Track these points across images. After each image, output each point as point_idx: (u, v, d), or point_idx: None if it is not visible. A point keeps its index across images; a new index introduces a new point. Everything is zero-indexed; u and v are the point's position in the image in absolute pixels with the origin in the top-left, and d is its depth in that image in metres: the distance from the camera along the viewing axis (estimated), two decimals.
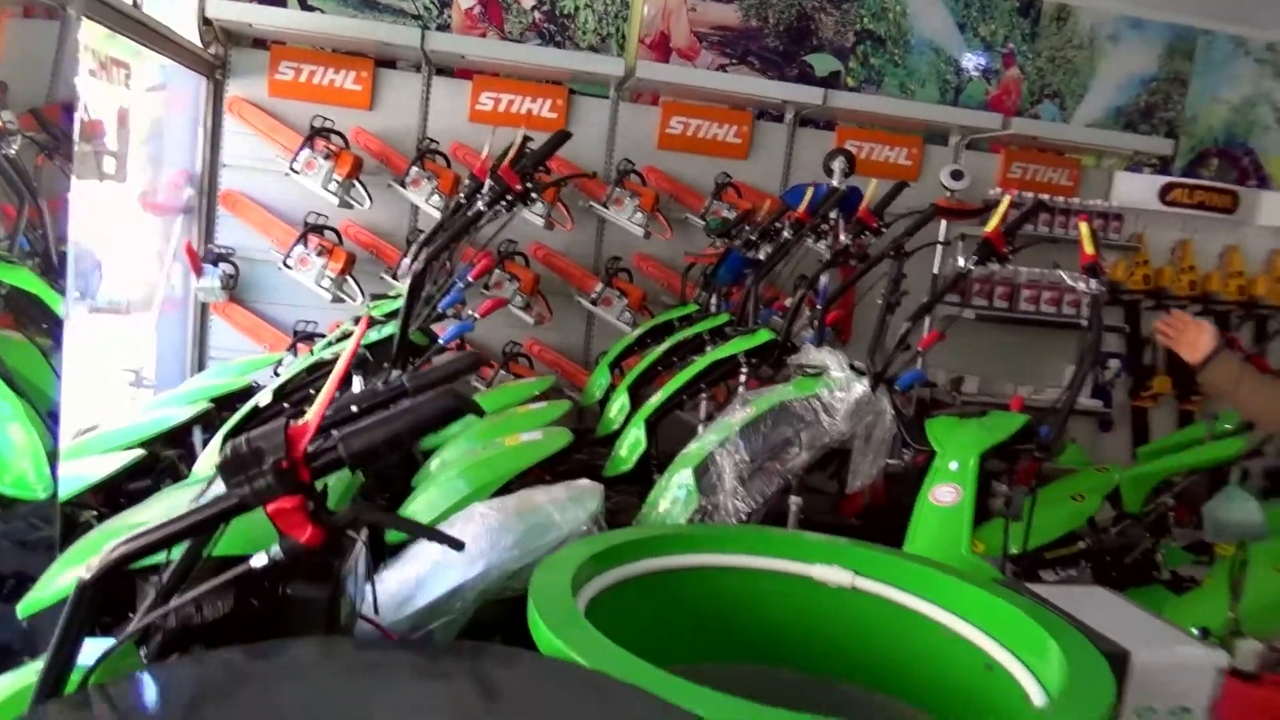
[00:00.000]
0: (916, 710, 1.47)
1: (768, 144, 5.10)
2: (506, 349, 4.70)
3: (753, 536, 1.58)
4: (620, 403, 3.68)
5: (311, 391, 3.05)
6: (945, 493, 2.04)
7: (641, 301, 4.75)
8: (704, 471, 2.41)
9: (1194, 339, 2.24)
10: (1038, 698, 1.26)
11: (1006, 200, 2.28)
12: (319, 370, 3.08)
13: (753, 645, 1.58)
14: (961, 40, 5.31)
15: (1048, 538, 3.63)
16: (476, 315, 3.07)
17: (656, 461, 3.10)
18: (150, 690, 0.97)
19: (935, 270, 5.05)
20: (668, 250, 4.94)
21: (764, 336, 3.01)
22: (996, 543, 3.69)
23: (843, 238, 3.02)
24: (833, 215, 3.53)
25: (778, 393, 2.46)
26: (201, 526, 0.97)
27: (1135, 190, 5.36)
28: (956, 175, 4.82)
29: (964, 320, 5.11)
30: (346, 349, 1.06)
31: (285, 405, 2.92)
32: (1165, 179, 5.37)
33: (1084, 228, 2.31)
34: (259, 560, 0.98)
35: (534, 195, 2.88)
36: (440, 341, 2.98)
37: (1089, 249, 2.28)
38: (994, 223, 2.25)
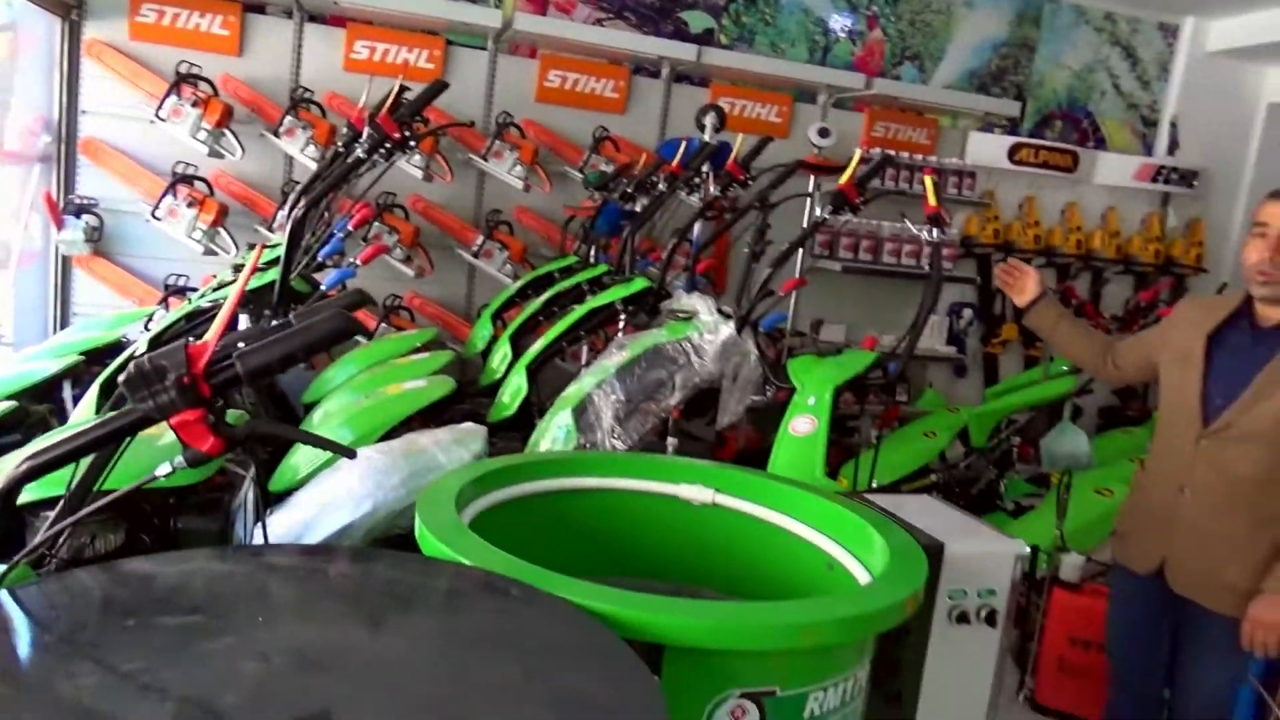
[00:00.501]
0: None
1: (644, 99, 5.21)
2: (388, 302, 4.71)
3: (623, 461, 1.72)
4: (503, 352, 3.77)
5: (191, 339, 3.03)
6: (802, 424, 2.23)
7: (522, 254, 4.82)
8: (582, 412, 2.54)
9: (1023, 285, 2.48)
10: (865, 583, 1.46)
11: (857, 155, 2.47)
12: (197, 318, 3.06)
13: (625, 560, 1.73)
14: (829, 2, 5.52)
15: (904, 471, 3.94)
16: (358, 262, 3.10)
17: (538, 407, 3.22)
18: (57, 589, 1.04)
19: (804, 224, 5.29)
20: (547, 203, 5.01)
21: (640, 285, 3.15)
22: (861, 480, 4.00)
23: (712, 190, 3.17)
24: (705, 168, 3.67)
25: (651, 336, 2.61)
26: (107, 439, 1.03)
27: (987, 150, 5.73)
28: (823, 133, 5.05)
29: (831, 272, 5.40)
30: (242, 275, 1.13)
31: None
32: (1014, 139, 5.75)
33: (927, 181, 2.52)
34: (163, 470, 1.05)
35: (412, 144, 2.92)
36: (322, 288, 3.00)
37: (931, 200, 2.50)
38: (846, 176, 2.43)
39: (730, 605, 1.43)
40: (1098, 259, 5.94)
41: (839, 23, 5.56)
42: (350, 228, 3.68)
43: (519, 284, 4.45)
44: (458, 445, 2.43)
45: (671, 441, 2.99)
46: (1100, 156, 5.98)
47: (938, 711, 1.69)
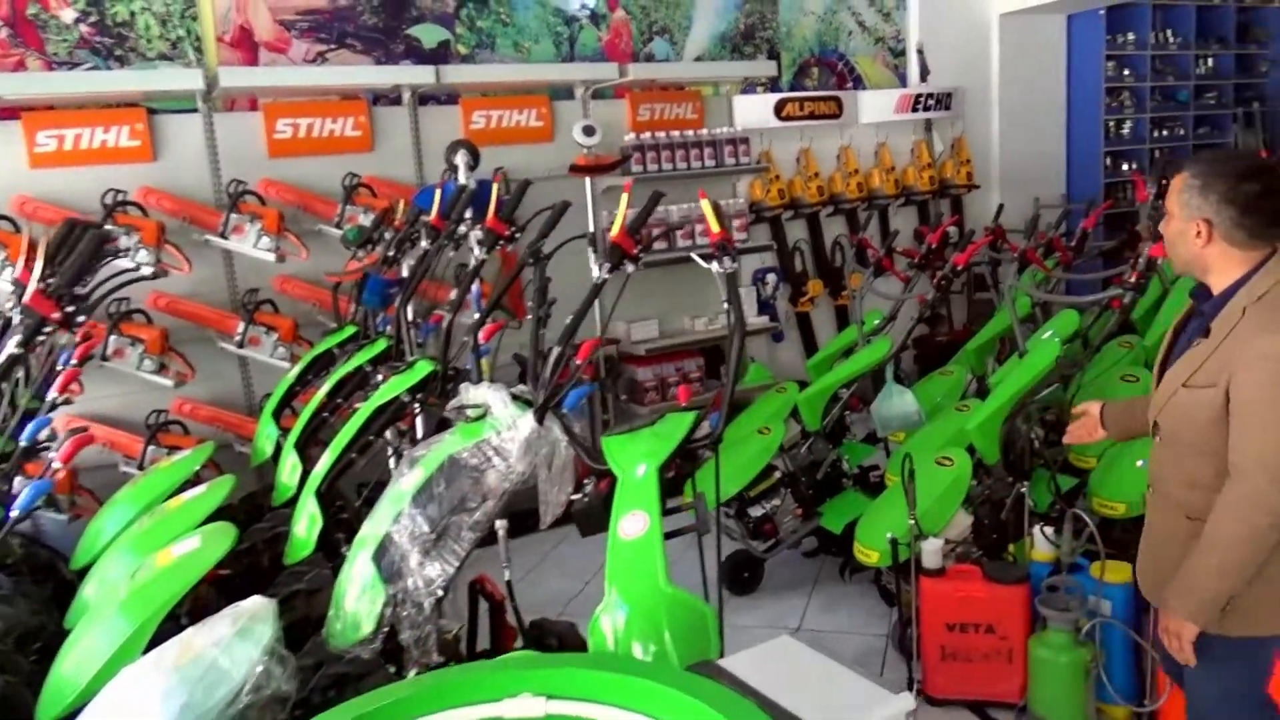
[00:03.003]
0: None
1: (391, 130, 4.76)
2: (150, 421, 4.12)
3: (430, 691, 1.39)
4: (291, 463, 3.31)
5: None
6: (631, 524, 1.97)
7: (294, 331, 4.32)
8: (383, 555, 2.19)
9: (1092, 427, 2.29)
10: None
11: (624, 200, 2.20)
12: None
13: None
14: None
15: (748, 477, 3.80)
16: (59, 464, 2.58)
17: (345, 532, 2.82)
18: None
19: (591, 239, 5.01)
20: (312, 266, 4.50)
21: (423, 370, 2.79)
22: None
23: (476, 253, 2.83)
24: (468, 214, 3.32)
25: (444, 446, 2.27)
26: None
27: (753, 112, 5.63)
28: (588, 131, 4.78)
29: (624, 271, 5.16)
30: None
31: None
32: (777, 96, 5.68)
33: (705, 204, 2.29)
34: None
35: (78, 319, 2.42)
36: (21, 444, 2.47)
37: (714, 225, 2.27)
38: (617, 226, 2.17)
39: None
40: (880, 197, 6.00)
41: (576, 8, 5.26)
42: (76, 359, 3.12)
43: (298, 368, 3.97)
44: (242, 640, 2.02)
45: (501, 524, 2.68)
46: (861, 96, 6.02)
47: None
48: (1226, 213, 1.82)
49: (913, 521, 2.96)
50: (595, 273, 2.20)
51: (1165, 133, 7.14)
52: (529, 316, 2.50)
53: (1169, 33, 7.07)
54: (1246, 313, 1.81)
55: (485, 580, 2.78)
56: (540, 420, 2.19)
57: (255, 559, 3.08)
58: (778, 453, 3.85)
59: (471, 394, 2.32)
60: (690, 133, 5.29)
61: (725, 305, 2.20)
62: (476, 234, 2.94)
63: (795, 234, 5.91)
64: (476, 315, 3.04)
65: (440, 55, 4.93)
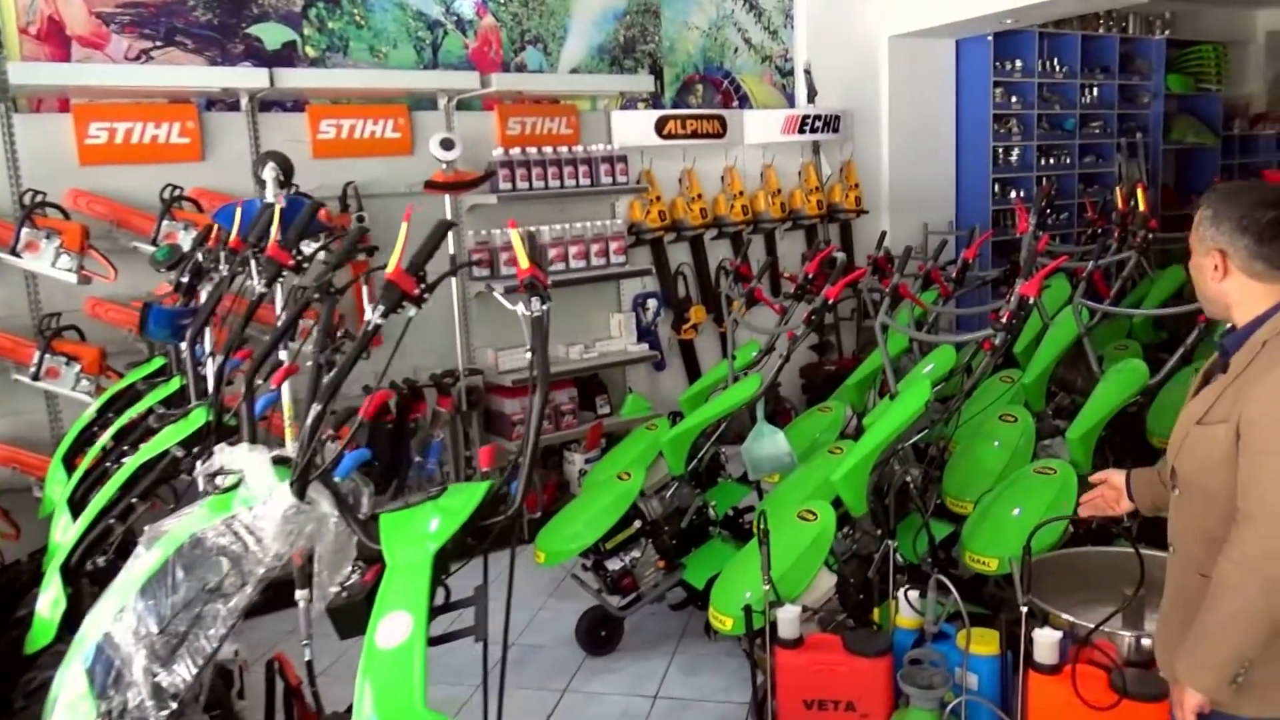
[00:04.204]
0: None
1: (225, 139, 4.30)
2: None
3: None
4: (63, 522, 2.85)
5: None
6: (391, 629, 1.60)
7: (100, 362, 3.82)
8: (99, 660, 1.78)
9: (1116, 499, 2.06)
10: None
11: (404, 230, 1.85)
12: None
13: None
14: None
15: (605, 527, 3.47)
16: None
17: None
18: None
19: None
20: (130, 287, 4.00)
21: (198, 419, 2.38)
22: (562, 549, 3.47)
23: (257, 286, 2.43)
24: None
25: (185, 524, 1.87)
26: None
27: (633, 129, 5.33)
28: (447, 144, 4.41)
29: (491, 295, 4.80)
30: None
31: None
32: (659, 113, 5.40)
33: (514, 235, 1.95)
34: None
35: None
36: None
37: (523, 260, 1.93)
38: (393, 261, 1.82)
39: None
40: (766, 221, 5.77)
41: (441, 13, 4.89)
42: None
43: (95, 405, 3.49)
44: None
45: (302, 594, 2.29)
46: (747, 115, 5.79)
47: None
48: (1241, 242, 1.67)
49: (767, 587, 2.66)
50: (369, 314, 1.83)
51: (1052, 161, 7.13)
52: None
53: (1055, 61, 7.07)
54: (1266, 346, 1.65)
55: (282, 660, 2.38)
56: (300, 493, 1.81)
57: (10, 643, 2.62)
58: (639, 499, 3.54)
59: (227, 457, 1.93)
60: (565, 149, 4.96)
61: (528, 353, 1.86)
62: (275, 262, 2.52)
63: (678, 258, 5.63)
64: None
65: (285, 58, 4.49)
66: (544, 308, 1.94)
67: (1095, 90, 7.37)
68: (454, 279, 4.66)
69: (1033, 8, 5.51)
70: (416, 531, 1.77)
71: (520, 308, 1.94)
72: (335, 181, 4.46)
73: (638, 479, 3.50)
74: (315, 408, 1.79)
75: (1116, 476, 2.07)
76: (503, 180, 4.75)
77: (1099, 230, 5.43)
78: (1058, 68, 7.07)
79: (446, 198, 4.55)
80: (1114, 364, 3.70)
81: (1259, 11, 8.85)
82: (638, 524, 3.52)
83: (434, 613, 1.70)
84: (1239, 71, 8.83)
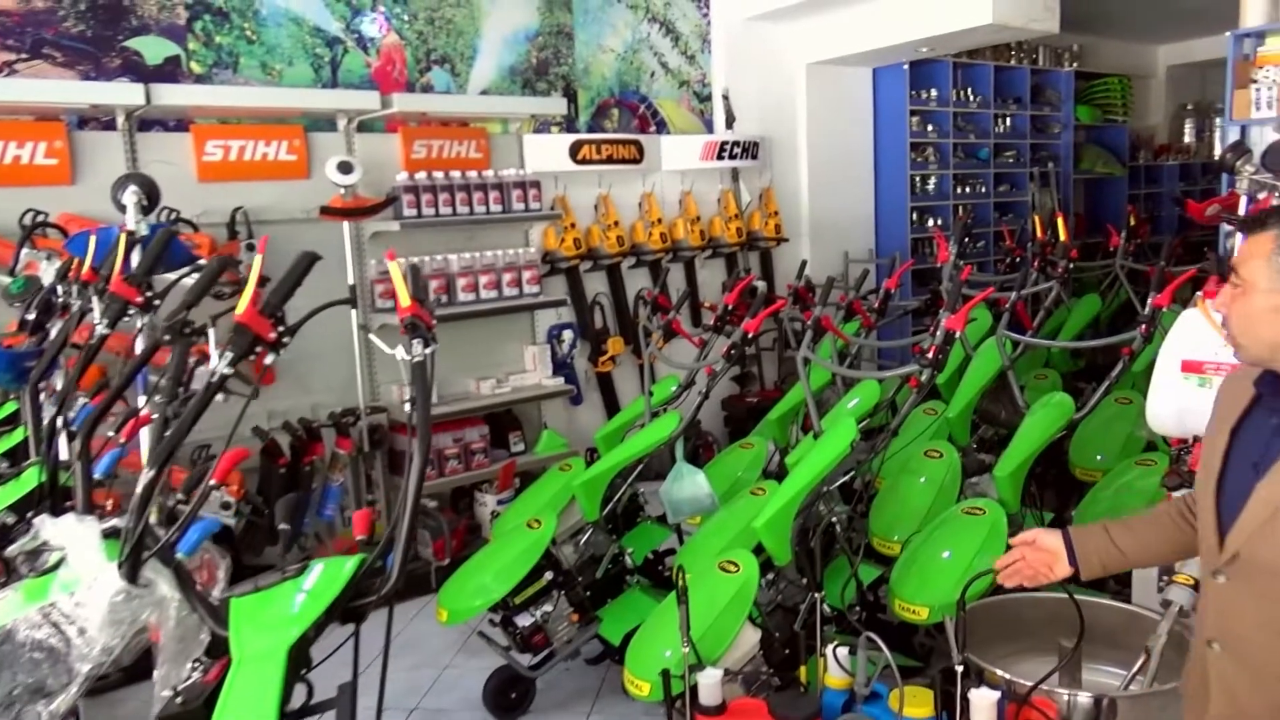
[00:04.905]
0: None
1: (98, 160, 3.94)
2: None
3: None
4: None
5: None
6: None
7: None
8: None
9: (1050, 561, 1.81)
10: None
11: (258, 263, 1.60)
12: None
13: None
14: (324, 7, 4.57)
15: (513, 580, 3.21)
16: None
17: None
18: None
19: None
20: None
21: (30, 480, 2.06)
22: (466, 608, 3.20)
23: (98, 327, 2.13)
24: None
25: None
26: None
27: (546, 153, 5.13)
28: (344, 168, 4.13)
29: (396, 329, 4.51)
30: None
31: None
32: (573, 137, 5.20)
33: (393, 268, 1.72)
34: None
35: None
36: None
37: (403, 298, 1.69)
38: (244, 302, 1.56)
39: None
40: (685, 249, 5.61)
41: (340, 29, 4.62)
42: None
43: None
44: None
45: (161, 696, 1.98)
46: (664, 141, 5.64)
47: None
48: None
49: (687, 650, 2.45)
50: (214, 361, 1.57)
51: (968, 189, 7.16)
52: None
53: (969, 91, 7.12)
54: None
55: None
56: (131, 575, 1.53)
57: None
58: (551, 548, 3.29)
59: (49, 529, 1.63)
60: (474, 174, 4.72)
61: (406, 403, 1.63)
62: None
63: (594, 287, 5.43)
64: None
65: (168, 74, 4.17)
66: (426, 351, 1.70)
67: (1008, 120, 7.45)
68: (353, 310, 4.36)
69: (946, 37, 5.49)
70: (272, 617, 1.50)
71: (399, 351, 1.70)
72: (223, 207, 4.15)
73: (548, 526, 3.26)
74: (147, 472, 1.51)
75: (1049, 538, 1.84)
76: (407, 206, 4.49)
77: (1018, 259, 5.42)
78: (972, 97, 7.13)
79: (345, 225, 4.27)
80: (1036, 395, 3.62)
81: (1160, 47, 9.14)
82: (549, 575, 3.27)
83: (289, 718, 1.43)
84: (1143, 104, 9.09)
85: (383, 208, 4.27)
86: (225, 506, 3.90)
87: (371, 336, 1.76)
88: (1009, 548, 1.98)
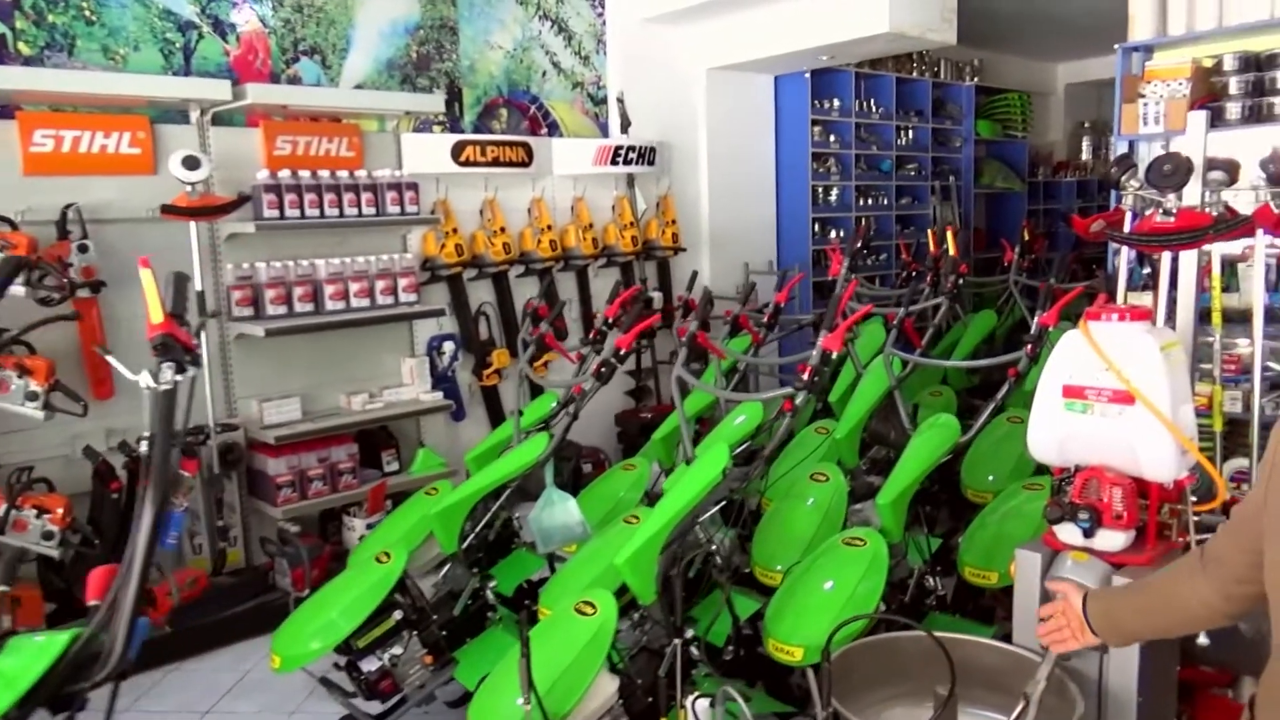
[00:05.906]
0: None
1: None
2: None
3: None
4: None
5: None
6: None
7: None
8: None
9: (1075, 627, 1.75)
10: None
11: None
12: None
13: None
14: None
15: (356, 620, 2.90)
16: None
17: None
18: None
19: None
20: None
21: None
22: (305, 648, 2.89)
23: None
24: None
25: None
26: None
27: (427, 153, 4.82)
28: (191, 163, 3.77)
29: (256, 339, 4.17)
30: None
31: None
32: (456, 138, 4.91)
33: (145, 278, 1.42)
34: None
35: None
36: None
37: (155, 314, 1.41)
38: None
39: None
40: (577, 257, 5.37)
41: (194, 13, 4.25)
42: None
43: None
44: None
45: None
46: (556, 144, 5.39)
47: None
48: None
49: (529, 708, 2.19)
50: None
51: (870, 201, 7.09)
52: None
53: (872, 102, 7.06)
54: None
55: None
56: None
57: None
58: (401, 583, 3.00)
59: None
60: (345, 173, 4.40)
61: (141, 443, 1.33)
62: None
63: (479, 296, 5.14)
64: None
65: None
66: (178, 378, 1.41)
67: (910, 133, 7.41)
68: (199, 318, 3.99)
69: (846, 44, 5.38)
70: None
71: (144, 377, 1.41)
72: (52, 203, 3.74)
73: (398, 561, 2.96)
74: None
75: (1073, 594, 1.78)
76: (268, 207, 4.14)
77: (913, 274, 5.32)
78: (874, 108, 7.06)
79: (192, 225, 3.91)
80: (930, 413, 3.47)
81: (1059, 65, 9.28)
82: (398, 615, 2.97)
83: None
84: (1042, 121, 9.21)
85: (234, 207, 3.92)
86: (47, 536, 3.53)
87: (110, 359, 1.46)
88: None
